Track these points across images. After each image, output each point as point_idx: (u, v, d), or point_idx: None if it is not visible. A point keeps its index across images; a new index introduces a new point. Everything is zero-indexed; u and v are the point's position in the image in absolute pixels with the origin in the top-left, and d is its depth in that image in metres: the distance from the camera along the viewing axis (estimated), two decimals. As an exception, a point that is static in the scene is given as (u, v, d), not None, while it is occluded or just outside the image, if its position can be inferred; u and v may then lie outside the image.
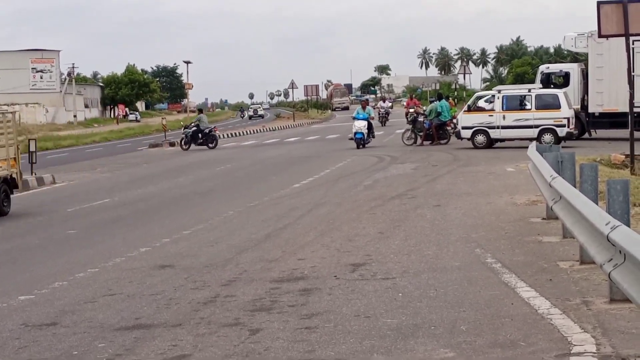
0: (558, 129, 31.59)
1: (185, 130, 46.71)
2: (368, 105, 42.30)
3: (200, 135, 45.35)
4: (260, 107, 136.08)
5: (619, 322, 7.73)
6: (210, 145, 45.24)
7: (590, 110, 35.91)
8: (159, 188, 24.88)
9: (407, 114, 49.42)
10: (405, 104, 55.14)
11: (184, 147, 45.80)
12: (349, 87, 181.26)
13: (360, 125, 36.99)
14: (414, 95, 61.82)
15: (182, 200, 21.18)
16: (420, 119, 38.44)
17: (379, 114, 60.16)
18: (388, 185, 21.40)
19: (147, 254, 13.20)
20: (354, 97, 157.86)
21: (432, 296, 9.23)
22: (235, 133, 66.38)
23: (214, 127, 47.78)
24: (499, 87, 38.88)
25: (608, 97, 34.99)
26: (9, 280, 11.94)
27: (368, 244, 12.84)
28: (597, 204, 9.55)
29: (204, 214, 17.64)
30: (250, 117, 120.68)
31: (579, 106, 36.41)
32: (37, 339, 8.46)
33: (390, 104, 65.83)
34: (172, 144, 53.73)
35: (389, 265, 11.08)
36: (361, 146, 36.36)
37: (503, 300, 8.84)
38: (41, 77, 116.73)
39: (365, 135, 36.95)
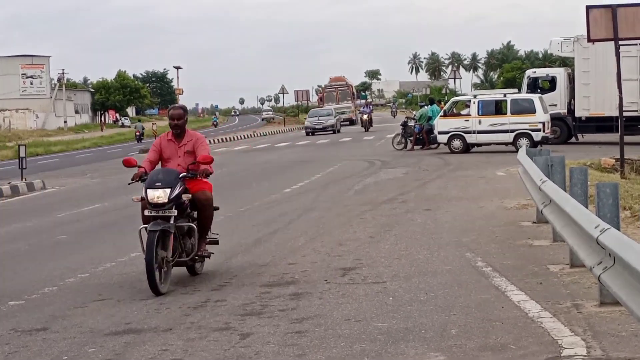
0: (533, 134, 31.74)
1: None
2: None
3: None
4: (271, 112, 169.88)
5: (609, 325, 7.74)
6: None
7: (577, 114, 36.08)
8: (149, 193, 24.80)
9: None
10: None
11: None
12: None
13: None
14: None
15: (173, 205, 21.11)
16: (411, 123, 38.51)
17: None
18: (379, 190, 21.42)
19: (138, 259, 13.13)
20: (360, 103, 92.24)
21: (422, 300, 9.23)
22: (226, 138, 66.39)
23: None
24: (475, 92, 39.17)
25: (595, 101, 35.16)
26: (-2, 285, 11.89)
27: (358, 248, 12.84)
28: (587, 207, 9.58)
29: (195, 219, 17.58)
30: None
31: (565, 110, 36.58)
32: (27, 344, 8.43)
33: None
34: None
35: (379, 270, 11.08)
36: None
37: (493, 304, 8.85)
38: (31, 83, 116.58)
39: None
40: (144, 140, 69.02)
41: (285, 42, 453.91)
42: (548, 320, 8.05)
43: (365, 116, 63.00)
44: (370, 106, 70.70)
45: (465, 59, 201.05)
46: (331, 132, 61.65)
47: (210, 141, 63.29)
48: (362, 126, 63.04)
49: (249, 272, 11.44)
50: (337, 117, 65.19)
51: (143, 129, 71.01)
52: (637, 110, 33.91)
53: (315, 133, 61.68)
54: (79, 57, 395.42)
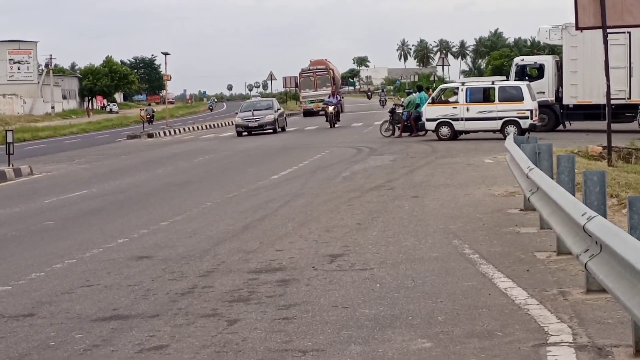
0: (521, 121, 31.78)
1: None
2: None
3: None
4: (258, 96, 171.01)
5: (596, 313, 7.77)
6: None
7: (565, 102, 36.11)
8: (137, 179, 24.81)
9: None
10: None
11: None
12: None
13: None
14: None
15: (160, 191, 21.12)
16: (399, 110, 38.48)
17: None
18: (366, 176, 21.42)
19: (125, 245, 13.17)
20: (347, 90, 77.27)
21: (409, 287, 9.24)
22: (213, 124, 66.22)
23: None
24: (463, 79, 39.12)
25: (582, 89, 35.19)
26: (-15, 271, 11.86)
27: (346, 235, 12.85)
28: (574, 195, 9.60)
29: (182, 206, 17.60)
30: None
31: (553, 98, 36.62)
32: (14, 329, 8.42)
33: None
34: (150, 135, 53.61)
35: (367, 256, 11.09)
36: None
37: (480, 291, 8.87)
38: (18, 68, 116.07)
39: None
40: (154, 122, 71.79)
41: (273, 28, 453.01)
42: (535, 307, 8.08)
43: (330, 108, 48.51)
44: (338, 96, 54.90)
45: (453, 47, 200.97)
46: (270, 131, 46.79)
47: (200, 127, 63.22)
48: (326, 120, 48.88)
49: (237, 259, 11.44)
50: (280, 112, 49.88)
51: (153, 111, 74.34)
52: (624, 98, 33.97)
53: (252, 133, 46.58)
54: (66, 43, 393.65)
